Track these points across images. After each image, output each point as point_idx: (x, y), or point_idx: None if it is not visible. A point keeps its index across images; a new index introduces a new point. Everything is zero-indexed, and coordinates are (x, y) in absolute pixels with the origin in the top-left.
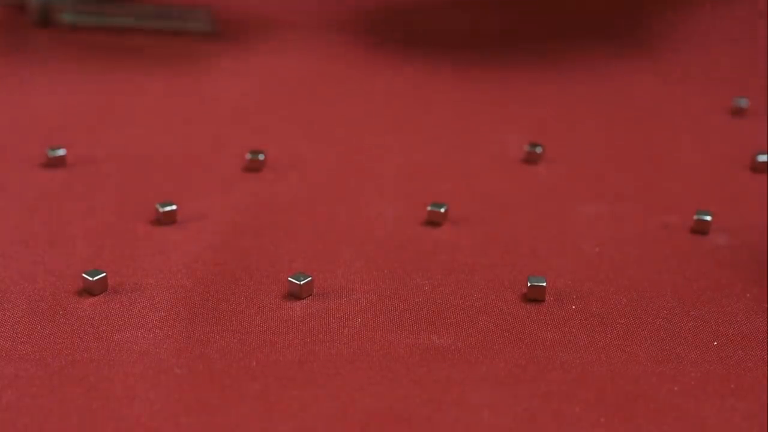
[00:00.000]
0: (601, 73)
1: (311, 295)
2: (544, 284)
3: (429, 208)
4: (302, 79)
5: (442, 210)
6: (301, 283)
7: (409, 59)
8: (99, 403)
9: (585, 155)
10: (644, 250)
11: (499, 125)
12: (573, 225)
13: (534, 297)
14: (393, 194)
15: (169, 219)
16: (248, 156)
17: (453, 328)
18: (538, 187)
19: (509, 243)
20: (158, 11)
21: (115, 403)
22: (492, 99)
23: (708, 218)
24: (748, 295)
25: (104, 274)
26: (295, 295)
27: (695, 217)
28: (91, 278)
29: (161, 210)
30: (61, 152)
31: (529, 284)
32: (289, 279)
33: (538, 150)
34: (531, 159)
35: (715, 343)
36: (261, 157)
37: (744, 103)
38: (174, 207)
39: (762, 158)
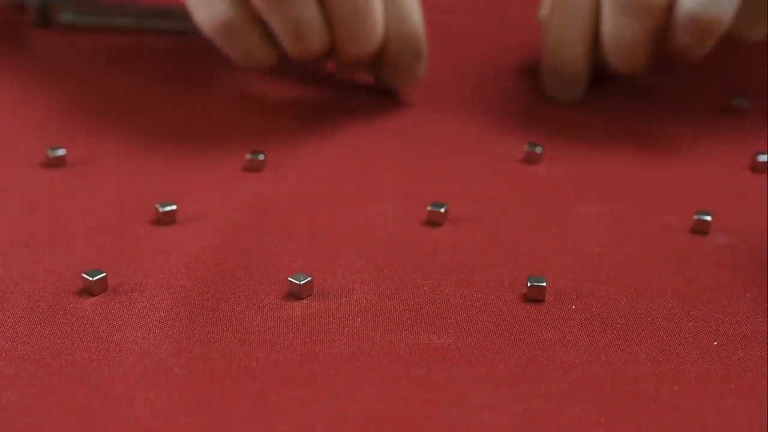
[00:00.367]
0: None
1: (311, 295)
2: (544, 284)
3: (429, 208)
4: (302, 78)
5: (442, 210)
6: (301, 283)
7: None
8: (99, 403)
9: (585, 155)
10: (644, 250)
11: (499, 126)
12: (573, 225)
13: (534, 297)
14: (393, 194)
15: (169, 219)
16: (248, 156)
17: (453, 328)
18: (538, 187)
19: (509, 243)
20: (158, 11)
21: (115, 403)
22: (492, 99)
23: (708, 218)
24: (748, 295)
25: (104, 274)
26: (295, 295)
27: (695, 217)
28: (91, 278)
29: (161, 210)
30: (61, 152)
31: (529, 284)
32: (289, 279)
33: (538, 150)
34: (531, 159)
35: (715, 343)
36: (261, 157)
37: (744, 103)
38: (174, 207)
39: (762, 158)
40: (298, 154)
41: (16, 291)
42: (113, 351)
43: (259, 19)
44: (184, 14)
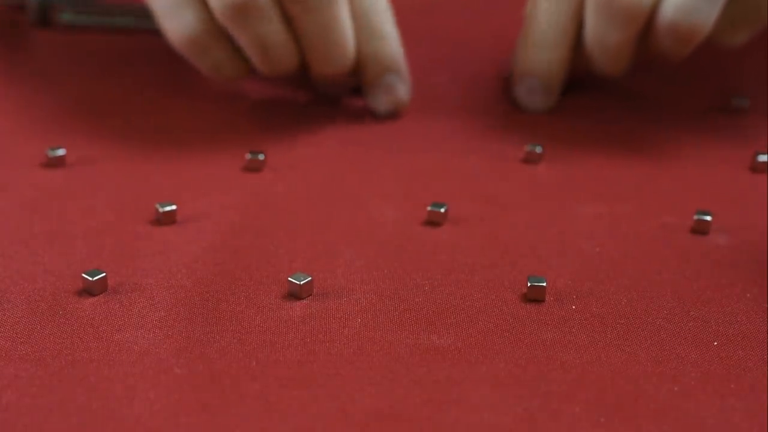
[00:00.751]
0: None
1: (311, 295)
2: (544, 284)
3: (429, 209)
4: (302, 78)
5: (442, 210)
6: (301, 283)
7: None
8: (99, 403)
9: (585, 155)
10: (644, 250)
11: (499, 126)
12: (573, 225)
13: (534, 297)
14: (393, 194)
15: (169, 219)
16: (248, 156)
17: (453, 328)
18: (538, 187)
19: (509, 243)
20: None
21: (115, 403)
22: (492, 99)
23: (708, 218)
24: (748, 295)
25: (104, 274)
26: (295, 295)
27: (695, 217)
28: (91, 278)
29: (161, 210)
30: (61, 152)
31: (529, 284)
32: (289, 279)
33: (538, 150)
34: (531, 159)
35: (715, 343)
36: (261, 157)
37: (744, 103)
38: (174, 207)
39: (762, 158)
40: (298, 154)
41: (16, 291)
42: (113, 351)
43: (227, 34)
44: None
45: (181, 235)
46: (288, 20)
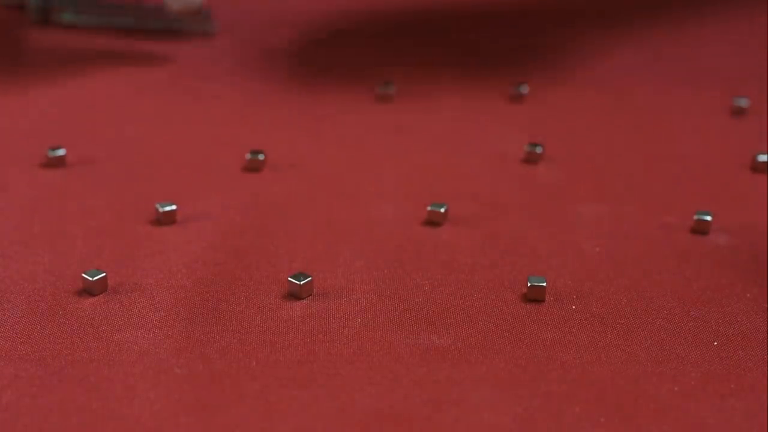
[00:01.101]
0: (601, 74)
1: (311, 295)
2: (544, 284)
3: (429, 208)
4: (302, 78)
5: (442, 210)
6: (301, 283)
7: (408, 59)
8: (99, 403)
9: (585, 155)
10: (644, 250)
11: (498, 125)
12: (573, 225)
13: (534, 297)
14: (393, 194)
15: (169, 219)
16: (248, 156)
17: (453, 328)
18: (538, 187)
19: (509, 243)
20: (158, 11)
21: (115, 403)
22: (492, 98)
23: (708, 218)
24: (748, 295)
25: (104, 274)
26: (295, 295)
27: (695, 217)
28: (91, 278)
29: (161, 210)
30: (61, 152)
31: (529, 284)
32: (289, 279)
33: (538, 150)
34: (531, 159)
35: (715, 343)
36: (261, 157)
37: (744, 103)
38: (174, 207)
39: (762, 158)
40: (298, 154)
41: (16, 291)
42: (113, 351)
43: None
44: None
45: (181, 235)
46: None
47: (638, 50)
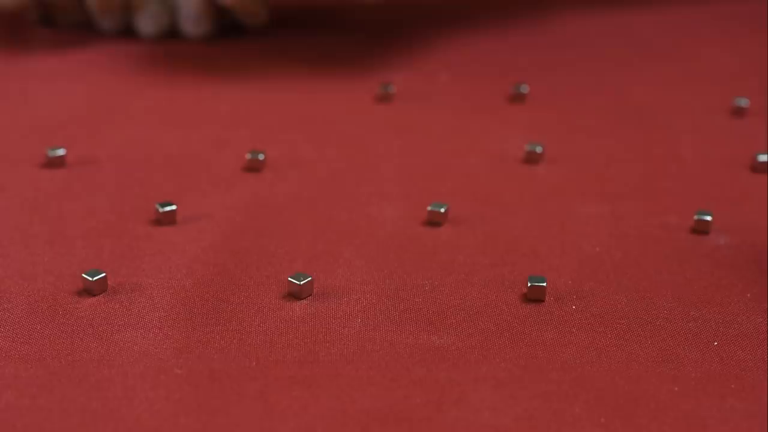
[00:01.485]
0: (601, 74)
1: (311, 295)
2: (544, 284)
3: (429, 208)
4: (302, 78)
5: (442, 210)
6: (301, 283)
7: (408, 59)
8: (99, 403)
9: (585, 155)
10: (644, 250)
11: (499, 126)
12: (573, 225)
13: (534, 297)
14: (393, 194)
15: (169, 219)
16: (248, 156)
17: (453, 328)
18: (538, 187)
19: (509, 243)
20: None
21: (115, 403)
22: (492, 98)
23: (708, 218)
24: (748, 295)
25: (104, 274)
26: (295, 295)
27: (695, 217)
28: (90, 278)
29: (161, 210)
30: (61, 152)
31: (529, 284)
32: (289, 279)
33: (538, 150)
34: (531, 159)
35: (715, 343)
36: (261, 157)
37: (744, 103)
38: (174, 207)
39: (762, 158)
40: (298, 154)
41: (16, 291)
42: (113, 351)
43: None
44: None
45: (181, 235)
46: None
47: (638, 50)
